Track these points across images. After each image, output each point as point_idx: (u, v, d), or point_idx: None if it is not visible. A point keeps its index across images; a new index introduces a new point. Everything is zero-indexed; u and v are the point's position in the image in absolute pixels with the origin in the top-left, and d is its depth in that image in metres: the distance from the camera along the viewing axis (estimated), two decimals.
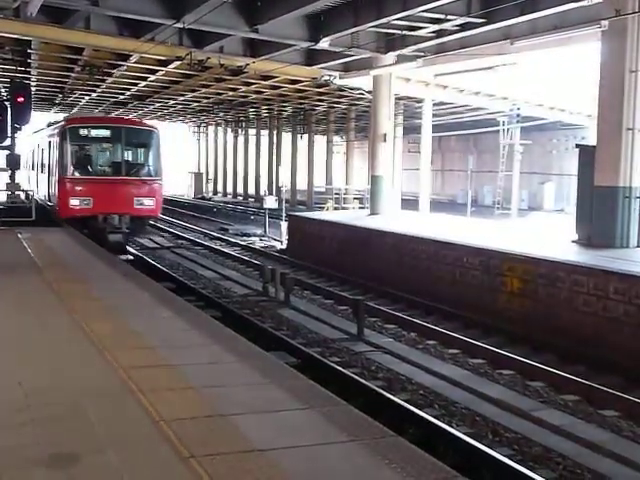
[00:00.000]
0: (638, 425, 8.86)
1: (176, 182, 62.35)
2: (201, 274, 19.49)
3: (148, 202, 22.27)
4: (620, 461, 7.69)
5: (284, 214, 27.62)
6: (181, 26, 20.48)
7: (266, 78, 31.35)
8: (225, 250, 24.60)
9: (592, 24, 16.40)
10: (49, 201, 25.21)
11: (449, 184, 62.03)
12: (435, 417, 8.71)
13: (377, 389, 9.65)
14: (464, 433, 8.15)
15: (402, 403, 9.06)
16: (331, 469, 4.88)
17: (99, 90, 38.23)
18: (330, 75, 28.46)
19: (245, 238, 29.51)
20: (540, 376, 10.70)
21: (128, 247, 23.06)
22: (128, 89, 37.78)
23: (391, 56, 24.72)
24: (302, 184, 50.36)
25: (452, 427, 8.42)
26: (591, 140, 21.70)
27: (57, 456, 4.89)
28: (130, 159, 23.73)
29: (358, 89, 30.90)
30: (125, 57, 27.36)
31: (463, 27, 20.65)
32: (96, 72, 30.00)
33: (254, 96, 38.59)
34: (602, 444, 8.11)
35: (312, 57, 26.91)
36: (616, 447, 8.05)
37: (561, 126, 47.13)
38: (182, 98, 41.37)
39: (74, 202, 21.69)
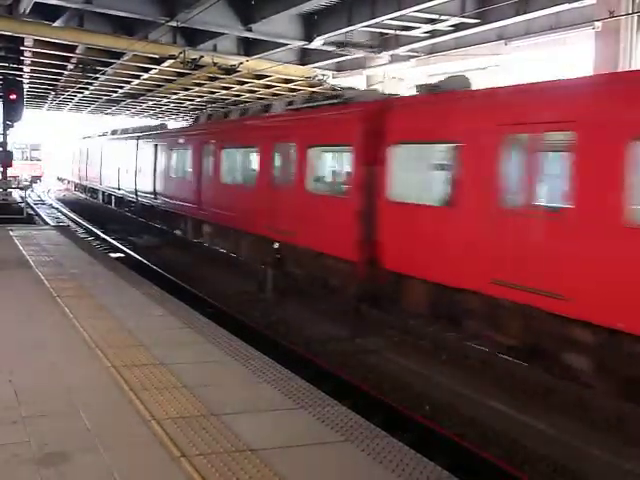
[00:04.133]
0: None
1: None
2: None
3: None
4: None
5: None
6: (175, 24, 20.46)
7: (259, 77, 31.32)
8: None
9: (586, 25, 16.43)
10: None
11: None
12: None
13: None
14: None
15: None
16: (324, 469, 4.87)
17: (92, 88, 38.11)
18: (323, 74, 28.49)
19: None
20: None
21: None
22: (121, 87, 37.67)
23: (385, 56, 24.73)
24: None
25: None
26: None
27: (48, 454, 4.87)
28: None
29: (351, 89, 30.89)
30: (118, 55, 27.29)
31: (457, 27, 20.69)
32: (89, 69, 29.91)
33: (247, 95, 38.50)
34: None
35: (306, 56, 26.91)
36: None
37: None
38: (175, 96, 41.26)
39: None
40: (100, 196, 39.72)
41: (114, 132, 37.40)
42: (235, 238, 18.82)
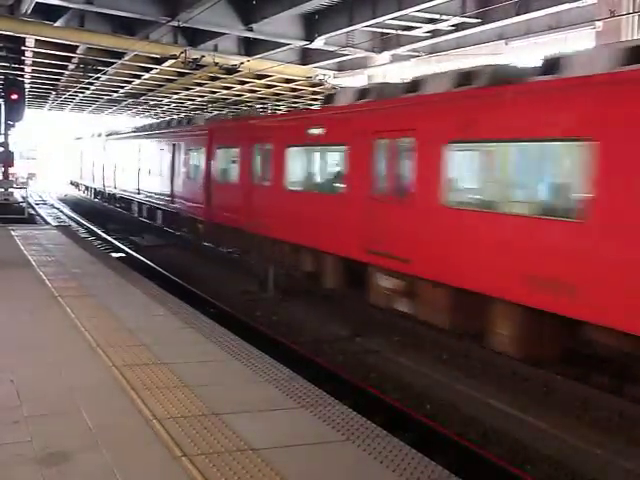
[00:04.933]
0: None
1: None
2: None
3: None
4: None
5: None
6: (176, 24, 20.47)
7: (260, 77, 31.35)
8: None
9: (587, 25, 16.43)
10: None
11: None
12: None
13: None
14: None
15: None
16: (325, 468, 4.88)
17: (93, 88, 38.17)
18: (324, 74, 28.48)
19: None
20: None
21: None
22: (122, 87, 37.74)
23: (386, 55, 24.74)
24: None
25: None
26: None
27: (50, 454, 4.88)
28: None
29: None
30: (119, 55, 27.33)
31: (458, 27, 20.69)
32: (90, 69, 29.94)
33: (248, 95, 38.56)
34: None
35: (307, 56, 26.92)
36: None
37: None
38: (176, 96, 41.34)
39: None
40: (136, 209, 31.33)
41: (156, 126, 30.29)
42: (480, 309, 10.44)
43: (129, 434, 5.32)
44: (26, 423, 5.42)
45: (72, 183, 55.11)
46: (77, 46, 26.12)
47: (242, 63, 25.69)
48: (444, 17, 19.54)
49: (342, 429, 5.50)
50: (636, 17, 15.31)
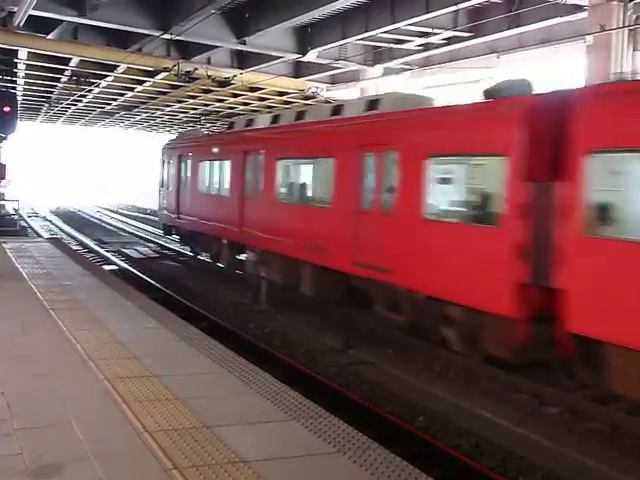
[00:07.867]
0: None
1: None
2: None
3: None
4: None
5: None
6: (169, 37, 20.51)
7: (253, 90, 31.41)
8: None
9: (577, 39, 16.55)
10: None
11: None
12: None
13: None
14: None
15: None
16: None
17: (85, 100, 38.19)
18: (317, 87, 28.59)
19: None
20: None
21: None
22: (115, 99, 37.76)
23: (378, 69, 24.85)
24: None
25: None
26: None
27: (40, 466, 4.86)
28: None
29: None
30: (112, 68, 27.37)
31: (450, 41, 20.80)
32: (83, 82, 29.97)
33: (241, 107, 38.60)
34: None
35: (299, 69, 27.03)
36: None
37: None
38: (169, 109, 41.36)
39: None
40: None
41: None
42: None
43: (120, 446, 5.31)
44: (17, 436, 5.40)
45: (176, 232, 24.54)
46: (70, 59, 26.15)
47: (235, 76, 25.78)
48: (436, 31, 19.65)
49: (333, 441, 5.50)
50: (626, 31, 15.45)
